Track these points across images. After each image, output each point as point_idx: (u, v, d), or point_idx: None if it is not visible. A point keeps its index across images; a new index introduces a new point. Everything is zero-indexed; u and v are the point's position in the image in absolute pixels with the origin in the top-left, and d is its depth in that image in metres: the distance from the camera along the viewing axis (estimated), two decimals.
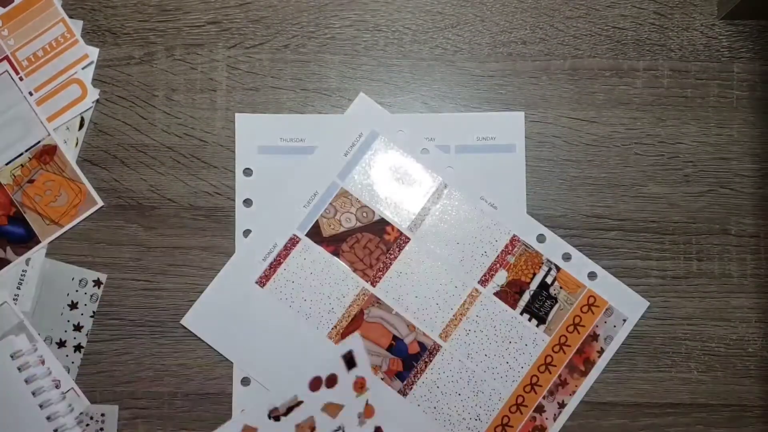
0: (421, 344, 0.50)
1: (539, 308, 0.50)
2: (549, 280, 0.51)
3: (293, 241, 0.51)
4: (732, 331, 0.52)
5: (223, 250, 0.52)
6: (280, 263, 0.51)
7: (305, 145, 0.52)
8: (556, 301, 0.51)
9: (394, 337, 0.50)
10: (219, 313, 0.51)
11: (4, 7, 0.52)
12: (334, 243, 0.51)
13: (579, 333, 0.50)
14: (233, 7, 0.53)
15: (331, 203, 0.52)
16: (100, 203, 0.52)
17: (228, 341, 0.51)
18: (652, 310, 0.52)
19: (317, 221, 0.51)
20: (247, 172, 0.52)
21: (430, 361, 0.50)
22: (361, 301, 0.51)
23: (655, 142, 0.53)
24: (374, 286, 0.51)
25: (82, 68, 0.52)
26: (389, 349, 0.50)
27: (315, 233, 0.51)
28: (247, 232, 0.52)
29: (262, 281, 0.51)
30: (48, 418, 0.50)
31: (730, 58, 0.53)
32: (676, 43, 0.54)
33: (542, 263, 0.51)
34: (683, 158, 0.53)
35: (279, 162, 0.52)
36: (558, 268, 0.51)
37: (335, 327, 0.51)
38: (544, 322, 0.50)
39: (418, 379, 0.50)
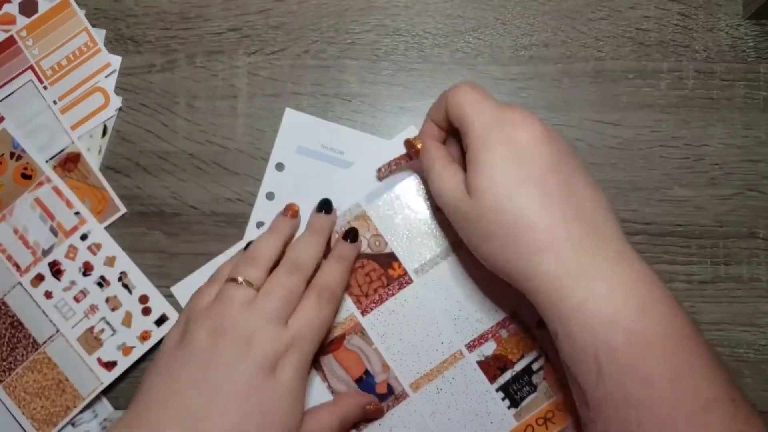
0: (390, 387, 0.49)
1: (516, 391, 0.49)
2: (535, 367, 0.49)
3: None
4: (761, 336, 0.51)
5: None
6: None
7: (343, 159, 0.52)
8: (536, 390, 0.49)
9: (366, 372, 0.49)
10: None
11: (28, 17, 0.53)
12: None
13: (547, 429, 0.49)
14: (253, 14, 0.54)
15: (348, 221, 0.51)
16: (123, 210, 0.52)
17: None
18: None
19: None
20: (280, 167, 0.52)
21: (394, 406, 0.49)
22: (347, 325, 0.50)
23: (680, 145, 0.52)
24: (363, 315, 0.50)
25: (105, 77, 0.53)
26: (358, 380, 0.49)
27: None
28: (260, 224, 0.51)
29: None
30: (72, 424, 0.51)
31: (756, 59, 0.53)
32: (700, 44, 0.53)
33: (534, 349, 0.49)
34: (709, 161, 0.52)
35: (313, 166, 0.52)
36: (548, 359, 0.49)
37: None
38: (516, 406, 0.49)
39: (376, 420, 0.49)
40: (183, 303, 0.51)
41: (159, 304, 0.51)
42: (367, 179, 0.51)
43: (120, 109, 0.53)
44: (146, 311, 0.51)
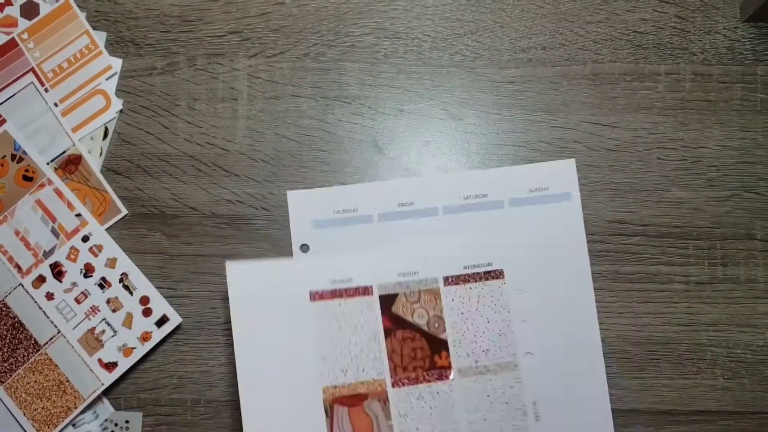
0: None
1: None
2: None
3: (366, 291, 0.50)
4: (758, 337, 0.51)
5: (245, 257, 0.52)
6: (341, 296, 0.50)
7: (360, 215, 0.51)
8: None
9: None
10: (259, 284, 0.49)
11: (29, 19, 0.53)
12: (393, 322, 0.50)
13: None
14: (254, 17, 0.54)
15: (420, 291, 0.50)
16: (124, 212, 0.53)
17: (246, 324, 0.49)
18: (677, 317, 0.51)
19: (397, 294, 0.50)
20: (305, 248, 0.51)
21: None
22: (373, 387, 0.49)
23: (677, 147, 0.53)
24: (393, 387, 0.49)
25: (106, 79, 0.53)
26: None
27: (386, 301, 0.50)
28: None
29: (315, 297, 0.50)
30: (73, 424, 0.51)
31: (753, 61, 0.53)
32: (698, 47, 0.53)
33: None
34: (707, 162, 0.52)
35: (336, 234, 0.51)
36: None
37: (334, 387, 0.49)
38: None
39: None
40: (229, 280, 0.49)
41: (160, 306, 0.52)
42: (452, 261, 0.50)
43: (121, 111, 0.53)
44: (147, 312, 0.51)
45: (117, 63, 0.53)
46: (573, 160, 0.52)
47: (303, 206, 0.52)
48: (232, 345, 0.52)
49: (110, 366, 0.51)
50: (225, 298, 0.52)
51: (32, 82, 0.53)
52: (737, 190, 0.52)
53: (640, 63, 0.53)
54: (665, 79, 0.53)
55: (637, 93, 0.53)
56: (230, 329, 0.52)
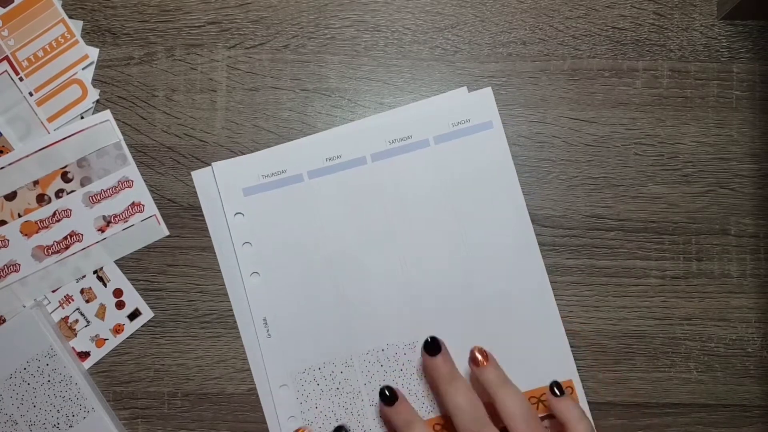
0: None
1: None
2: None
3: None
4: (732, 331, 0.52)
5: None
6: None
7: (288, 175, 0.52)
8: None
9: None
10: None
11: (3, 7, 0.52)
12: None
13: None
14: (233, 7, 0.53)
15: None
16: None
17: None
18: (652, 311, 0.52)
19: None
20: (239, 216, 0.52)
21: None
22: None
23: (654, 143, 0.53)
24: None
25: (83, 68, 0.52)
26: None
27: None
28: (253, 273, 0.51)
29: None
30: None
31: (729, 59, 0.54)
32: (675, 44, 0.54)
33: None
34: (683, 158, 0.53)
35: (269, 198, 0.52)
36: None
37: None
38: None
39: None
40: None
41: (132, 299, 0.51)
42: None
43: (98, 101, 0.53)
44: (120, 305, 0.51)
45: (94, 52, 0.53)
46: (489, 88, 0.52)
47: (230, 176, 0.52)
48: (209, 338, 0.52)
49: (83, 355, 0.51)
50: (202, 291, 0.52)
51: (6, 71, 0.52)
52: (712, 186, 0.53)
53: (618, 59, 0.54)
54: (643, 75, 0.53)
55: (615, 89, 0.53)
56: (207, 322, 0.51)
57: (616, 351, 0.52)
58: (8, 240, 0.51)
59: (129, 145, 0.52)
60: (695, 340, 0.52)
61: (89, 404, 0.49)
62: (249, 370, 0.51)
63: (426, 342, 0.48)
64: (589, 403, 0.51)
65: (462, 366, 0.49)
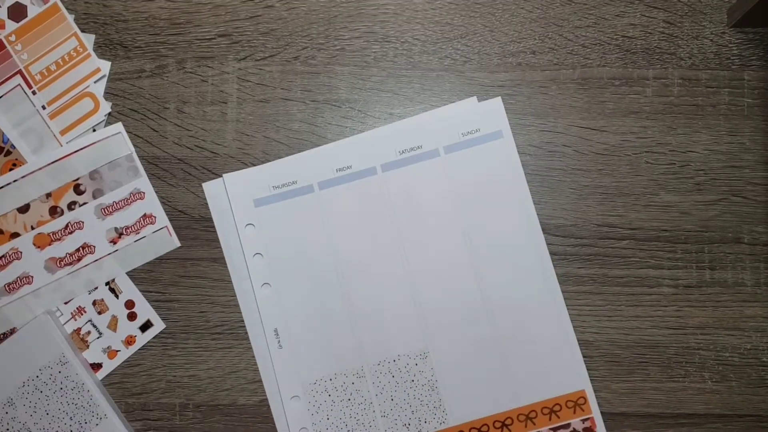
0: None
1: None
2: None
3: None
4: (746, 340, 0.52)
5: None
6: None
7: (299, 187, 0.52)
8: None
9: None
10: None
11: (17, 21, 0.53)
12: None
13: None
14: (243, 20, 0.54)
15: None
16: None
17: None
18: (666, 320, 0.52)
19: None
20: (250, 227, 0.52)
21: None
22: None
23: (666, 151, 0.53)
24: None
25: (95, 82, 0.53)
26: None
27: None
28: (264, 285, 0.52)
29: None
30: None
31: (740, 66, 0.53)
32: (686, 52, 0.53)
33: None
34: (695, 167, 0.53)
35: (280, 208, 0.52)
36: None
37: None
38: None
39: None
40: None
41: (144, 310, 0.51)
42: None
43: (109, 114, 0.53)
44: (132, 316, 0.51)
45: (105, 66, 0.53)
46: (499, 98, 0.52)
47: (241, 187, 0.52)
48: (220, 349, 0.52)
49: (95, 367, 0.51)
50: (213, 302, 0.52)
51: (19, 85, 0.52)
52: (725, 194, 0.53)
53: (628, 67, 0.53)
54: (653, 84, 0.53)
55: (625, 97, 0.53)
56: (219, 333, 0.51)
57: (629, 361, 0.51)
58: (21, 252, 0.51)
59: (141, 157, 0.53)
60: (709, 350, 0.51)
61: (101, 411, 0.50)
62: (260, 381, 0.51)
63: None
64: (602, 413, 0.51)
65: (471, 377, 0.49)
